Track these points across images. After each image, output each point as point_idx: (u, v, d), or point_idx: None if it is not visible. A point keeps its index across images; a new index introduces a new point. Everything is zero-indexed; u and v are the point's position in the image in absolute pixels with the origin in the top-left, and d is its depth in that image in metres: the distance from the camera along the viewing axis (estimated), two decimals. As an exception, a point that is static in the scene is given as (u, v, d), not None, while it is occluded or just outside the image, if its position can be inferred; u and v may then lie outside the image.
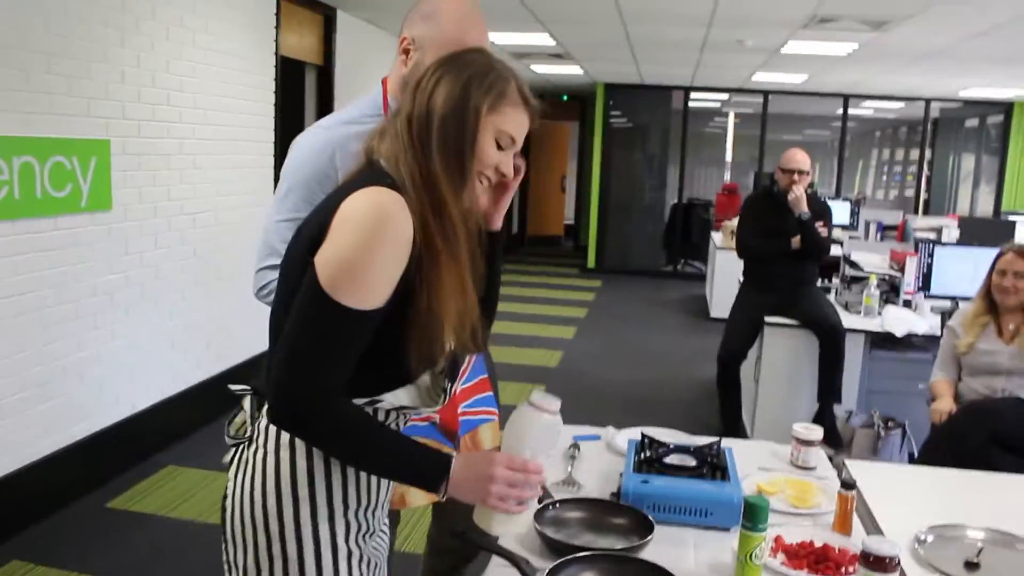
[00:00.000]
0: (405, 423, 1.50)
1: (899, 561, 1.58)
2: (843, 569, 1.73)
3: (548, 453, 1.48)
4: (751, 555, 1.60)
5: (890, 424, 4.13)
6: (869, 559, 1.58)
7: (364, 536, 1.44)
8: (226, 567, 1.46)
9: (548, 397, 1.45)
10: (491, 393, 2.21)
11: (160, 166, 4.33)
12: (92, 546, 3.45)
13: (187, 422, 4.59)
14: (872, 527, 2.00)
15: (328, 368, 1.31)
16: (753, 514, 1.59)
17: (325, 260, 1.30)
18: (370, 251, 1.29)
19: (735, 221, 5.44)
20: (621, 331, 8.05)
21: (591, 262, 11.81)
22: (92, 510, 3.78)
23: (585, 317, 8.62)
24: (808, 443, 2.31)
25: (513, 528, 1.51)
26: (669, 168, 11.96)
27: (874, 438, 4.01)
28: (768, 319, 4.66)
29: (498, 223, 1.56)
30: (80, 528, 3.61)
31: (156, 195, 4.32)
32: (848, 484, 1.92)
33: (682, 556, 1.77)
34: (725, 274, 7.68)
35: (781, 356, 4.67)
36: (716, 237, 8.98)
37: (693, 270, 11.61)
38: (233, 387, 1.58)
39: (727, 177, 14.34)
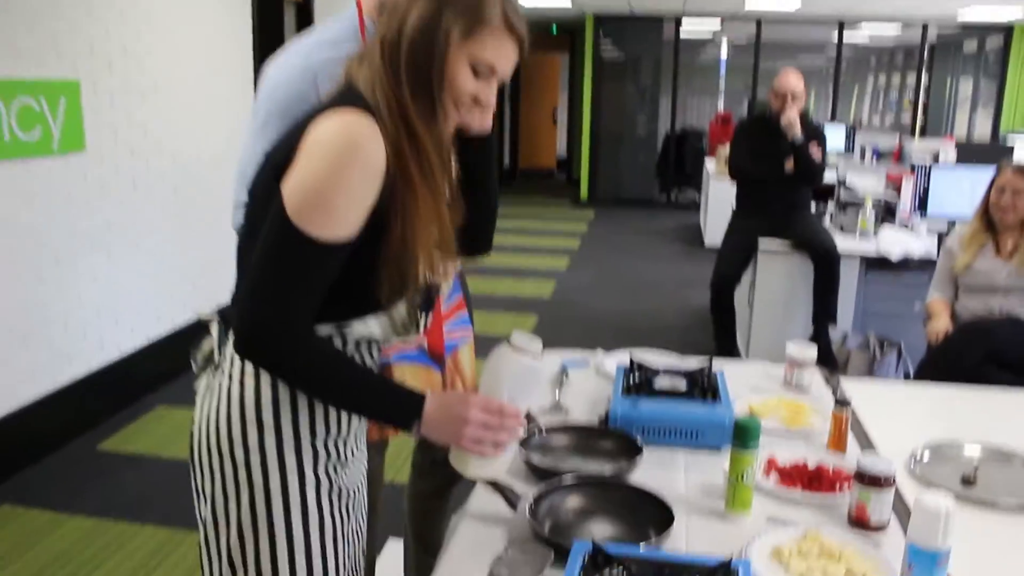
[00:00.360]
0: (377, 355, 1.44)
1: (895, 479, 1.54)
2: (837, 488, 1.69)
3: (527, 398, 1.43)
4: (742, 475, 1.55)
5: (886, 346, 4.10)
6: (864, 477, 1.53)
7: (335, 466, 1.38)
8: (195, 496, 1.41)
9: (530, 339, 1.39)
10: (467, 313, 2.15)
11: (135, 105, 4.21)
12: (84, 488, 3.43)
13: (176, 363, 4.54)
14: (867, 446, 1.95)
15: (294, 301, 1.24)
16: (743, 434, 1.54)
17: (292, 188, 1.22)
18: (339, 179, 1.22)
19: (729, 147, 5.33)
20: (614, 261, 7.99)
21: (583, 194, 11.70)
22: (83, 453, 3.75)
23: (578, 248, 8.56)
24: (801, 363, 2.26)
25: (491, 471, 1.44)
26: (661, 99, 11.77)
27: (870, 360, 3.98)
28: (762, 243, 4.59)
29: (487, 123, 1.45)
30: (72, 471, 3.58)
31: (132, 135, 4.21)
32: (842, 402, 1.87)
33: (672, 479, 1.73)
34: (719, 202, 7.59)
35: (775, 280, 4.61)
36: (710, 164, 8.86)
37: (687, 200, 11.51)
38: (200, 313, 1.51)
39: (720, 106, 14.13)
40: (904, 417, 2.20)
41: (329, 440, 1.37)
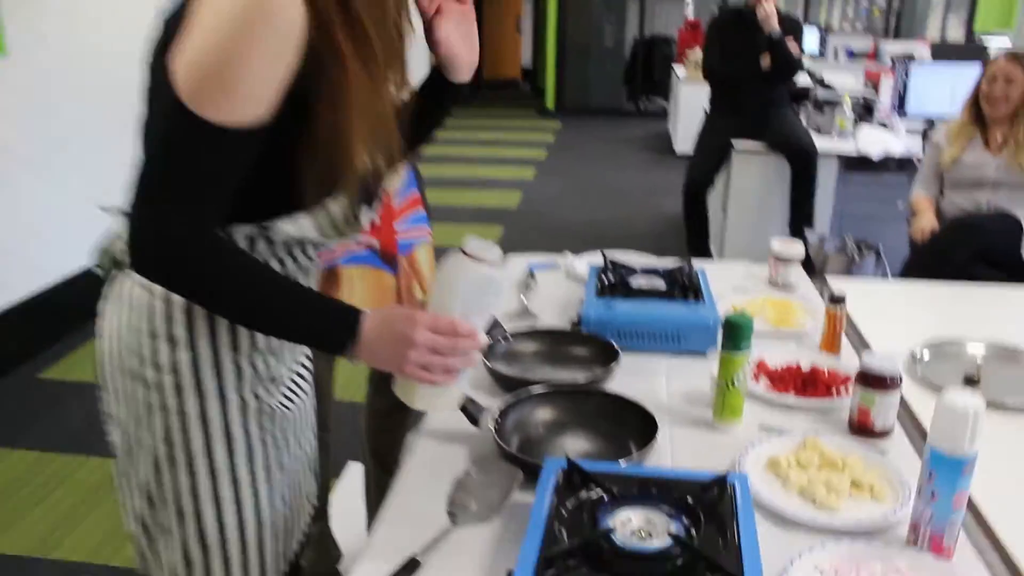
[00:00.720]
0: (316, 258, 1.23)
1: (901, 379, 1.37)
2: (835, 392, 1.53)
3: (484, 313, 1.20)
4: (733, 379, 1.38)
5: (864, 248, 3.96)
6: (868, 378, 1.37)
7: (264, 386, 1.18)
8: (105, 421, 1.22)
9: (485, 245, 1.17)
10: (423, 211, 1.94)
11: (59, 3, 3.86)
12: (27, 420, 3.22)
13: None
14: (861, 346, 1.79)
15: (189, 199, 1.00)
16: (734, 333, 1.37)
17: (185, 63, 0.97)
18: (240, 48, 0.96)
19: (699, 51, 5.07)
20: (582, 170, 7.76)
21: (550, 103, 11.38)
22: (24, 383, 3.53)
23: (545, 158, 8.31)
24: (787, 260, 2.09)
25: (442, 403, 1.22)
26: (629, 5, 11.38)
27: (848, 263, 3.84)
28: (737, 144, 4.39)
29: (467, 71, 1.26)
30: (13, 402, 3.37)
31: (58, 36, 3.86)
32: (836, 299, 1.70)
33: (653, 387, 1.56)
34: (689, 107, 7.37)
35: (750, 182, 4.43)
36: (679, 70, 8.58)
37: (655, 108, 11.24)
38: (102, 207, 1.29)
39: (690, 13, 13.73)
40: (896, 316, 2.04)
41: (257, 356, 1.16)
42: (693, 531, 1.01)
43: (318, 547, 2.11)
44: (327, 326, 1.08)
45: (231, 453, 1.16)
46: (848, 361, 1.66)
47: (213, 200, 1.01)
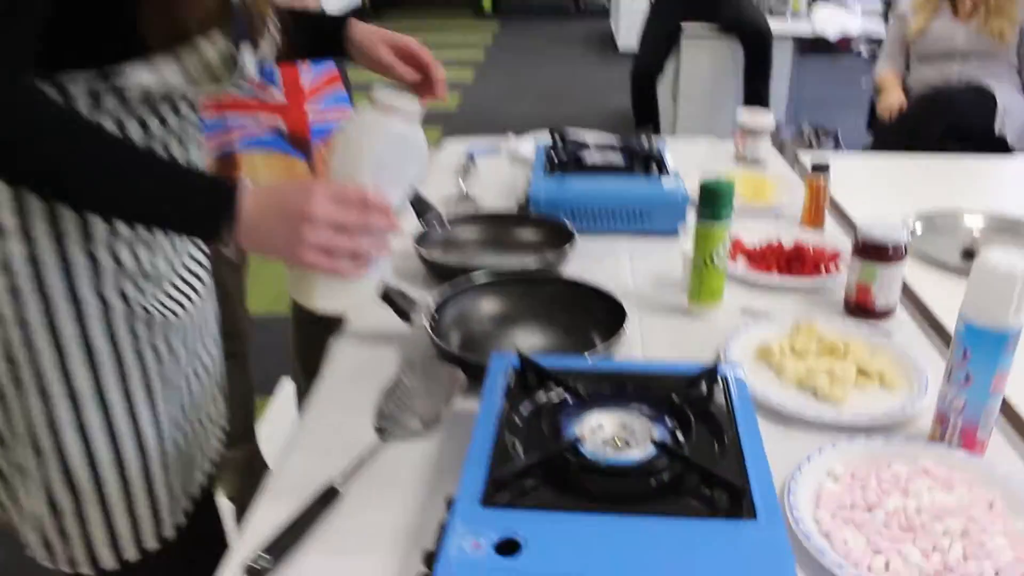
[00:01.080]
0: (194, 120, 0.96)
1: (906, 249, 1.17)
2: (823, 269, 1.33)
3: (402, 183, 0.92)
4: (711, 255, 1.16)
5: (821, 134, 3.77)
6: (868, 249, 1.17)
7: (133, 282, 0.92)
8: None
9: (400, 95, 0.91)
10: (344, 91, 1.67)
11: None
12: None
13: None
14: (845, 222, 1.59)
15: None
16: (712, 200, 1.14)
17: None
18: None
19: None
20: (524, 71, 7.41)
21: (487, 4, 10.88)
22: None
23: (484, 60, 7.93)
24: (755, 132, 1.87)
25: (347, 301, 0.92)
26: None
27: (805, 149, 3.64)
28: (686, 28, 4.11)
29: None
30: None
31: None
32: (819, 167, 1.49)
33: (615, 271, 1.34)
34: (631, 2, 7.05)
35: (701, 68, 4.18)
36: (620, -39, 8.19)
37: (596, 6, 10.82)
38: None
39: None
40: (878, 191, 1.84)
41: (120, 246, 0.89)
42: (681, 436, 0.80)
43: (246, 474, 1.89)
44: (192, 203, 0.82)
45: (95, 370, 0.91)
46: (834, 237, 1.46)
47: (10, 39, 0.74)
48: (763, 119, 1.86)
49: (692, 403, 0.84)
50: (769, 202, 1.62)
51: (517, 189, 1.65)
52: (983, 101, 2.77)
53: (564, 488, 0.74)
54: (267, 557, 0.77)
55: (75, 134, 0.78)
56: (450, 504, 0.72)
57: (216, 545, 1.03)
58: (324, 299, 0.88)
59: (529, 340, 1.12)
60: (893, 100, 2.92)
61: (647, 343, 1.14)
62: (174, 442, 1.00)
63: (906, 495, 0.82)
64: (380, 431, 0.94)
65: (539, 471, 0.75)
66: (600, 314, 1.11)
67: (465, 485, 0.73)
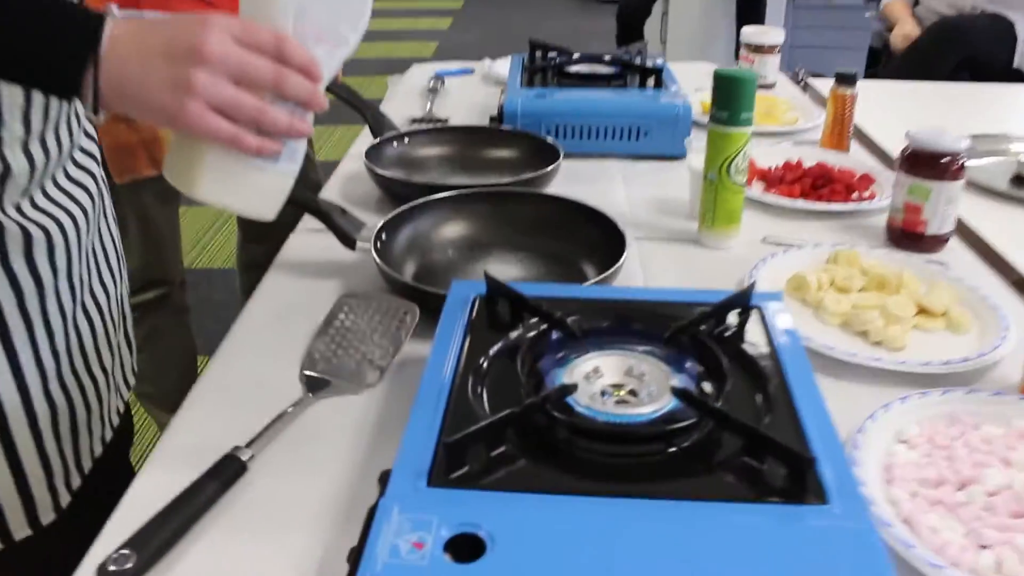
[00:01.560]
0: None
1: (964, 161, 0.95)
2: (856, 195, 1.11)
3: (331, 39, 0.65)
4: (728, 166, 0.93)
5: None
6: (920, 161, 0.95)
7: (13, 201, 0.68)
8: None
9: None
10: None
11: None
12: None
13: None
14: (871, 147, 1.37)
15: None
16: (731, 94, 0.91)
17: None
18: None
19: None
20: (502, 19, 7.12)
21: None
22: None
23: (461, 7, 7.64)
24: (763, 50, 1.64)
25: (245, 197, 0.64)
26: None
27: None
28: (675, -33, 3.86)
29: None
30: None
31: None
32: (845, 77, 1.27)
33: (608, 195, 1.11)
34: (616, -54, 6.75)
35: (692, 10, 3.93)
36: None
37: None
38: None
39: None
40: (903, 116, 1.61)
41: None
42: (708, 386, 0.58)
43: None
44: (37, 31, 0.58)
45: None
46: (860, 160, 1.24)
47: None
48: (772, 33, 1.63)
49: (721, 341, 0.62)
50: (783, 123, 1.39)
51: (491, 110, 1.42)
52: (1001, 32, 2.55)
53: (547, 459, 0.52)
54: (128, 554, 0.54)
55: None
56: (384, 481, 0.50)
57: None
58: (212, 186, 0.62)
59: (502, 272, 0.89)
60: (908, 29, 2.69)
61: (650, 279, 0.91)
62: (56, 400, 0.77)
63: (1008, 466, 0.61)
64: (308, 381, 0.72)
65: (512, 434, 0.53)
66: (592, 241, 0.89)
67: (405, 454, 0.50)
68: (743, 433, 0.51)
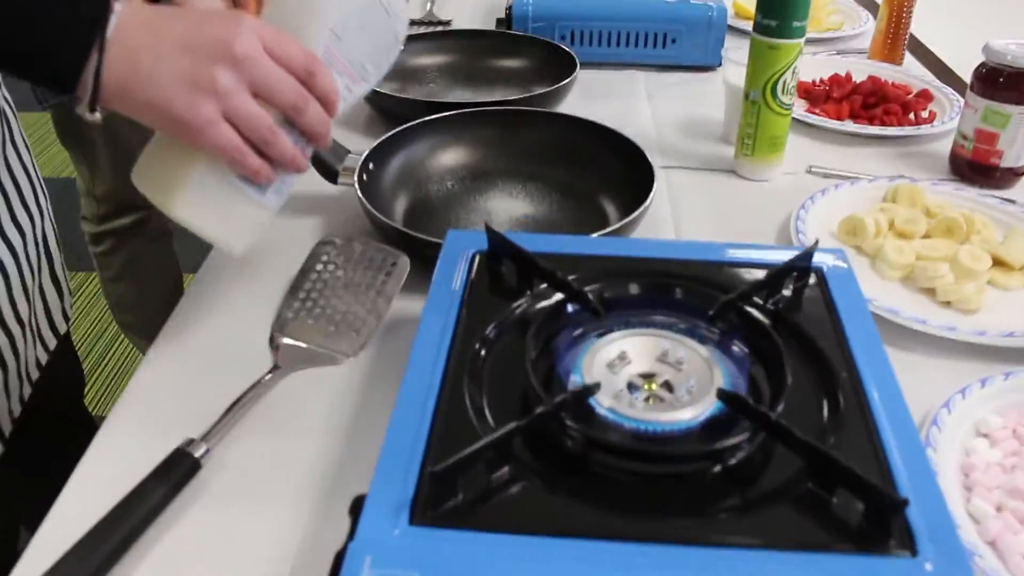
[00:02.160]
0: None
1: (1049, 81, 0.82)
2: (914, 116, 0.98)
3: (357, 71, 0.57)
4: (775, 85, 0.80)
5: None
6: (999, 80, 0.81)
7: None
8: None
9: None
10: None
11: None
12: None
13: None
14: (929, 60, 1.22)
15: None
16: (780, 1, 0.77)
17: None
18: None
19: None
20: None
21: None
22: None
23: None
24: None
25: (220, 227, 0.54)
26: None
27: None
28: None
29: None
30: None
31: None
32: (902, -23, 1.11)
33: (628, 113, 0.98)
34: None
35: None
36: None
37: None
38: None
39: None
40: (967, 23, 1.45)
41: None
42: (760, 374, 0.47)
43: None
44: (31, 10, 0.47)
45: None
46: (918, 74, 1.09)
47: None
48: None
49: (776, 319, 0.50)
50: (827, 27, 1.24)
51: (498, 11, 1.27)
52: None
53: (562, 481, 0.41)
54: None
55: None
56: (356, 512, 0.39)
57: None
58: (190, 206, 0.52)
59: (508, 208, 0.77)
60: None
61: (679, 217, 0.79)
62: None
63: (1122, 475, 0.50)
64: (274, 351, 0.61)
65: (519, 444, 0.42)
66: (614, 172, 0.77)
67: (381, 482, 0.40)
68: (815, 459, 0.40)
